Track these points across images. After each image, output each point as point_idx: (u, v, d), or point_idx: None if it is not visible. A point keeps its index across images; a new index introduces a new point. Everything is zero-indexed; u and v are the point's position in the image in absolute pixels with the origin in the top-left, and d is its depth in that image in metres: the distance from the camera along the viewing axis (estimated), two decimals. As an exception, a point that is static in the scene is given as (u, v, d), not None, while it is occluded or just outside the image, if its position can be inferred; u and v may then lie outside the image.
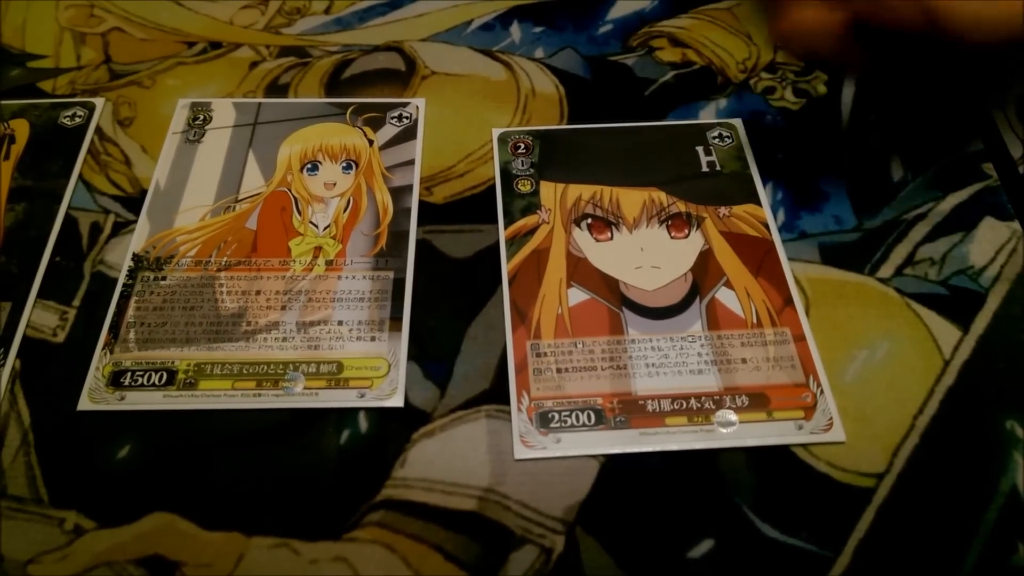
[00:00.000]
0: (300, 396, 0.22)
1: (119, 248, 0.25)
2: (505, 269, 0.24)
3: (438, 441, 0.21)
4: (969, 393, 0.22)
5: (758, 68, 0.29)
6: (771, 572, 0.19)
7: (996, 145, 0.27)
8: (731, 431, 0.21)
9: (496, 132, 0.27)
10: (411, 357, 0.22)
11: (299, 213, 0.25)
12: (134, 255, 0.24)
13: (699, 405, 0.21)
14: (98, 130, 0.28)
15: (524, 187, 0.25)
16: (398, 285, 0.24)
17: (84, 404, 0.22)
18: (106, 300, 0.24)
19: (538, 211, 0.25)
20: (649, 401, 0.21)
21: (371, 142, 0.27)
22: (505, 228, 0.25)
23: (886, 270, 0.24)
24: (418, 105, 0.28)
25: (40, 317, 0.23)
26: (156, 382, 0.22)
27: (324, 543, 0.20)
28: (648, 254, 0.24)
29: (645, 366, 0.21)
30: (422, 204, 0.26)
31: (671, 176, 0.25)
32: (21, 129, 0.28)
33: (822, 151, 0.27)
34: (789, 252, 0.24)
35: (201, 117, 0.28)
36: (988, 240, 0.25)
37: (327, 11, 0.32)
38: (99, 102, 0.29)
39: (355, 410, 0.22)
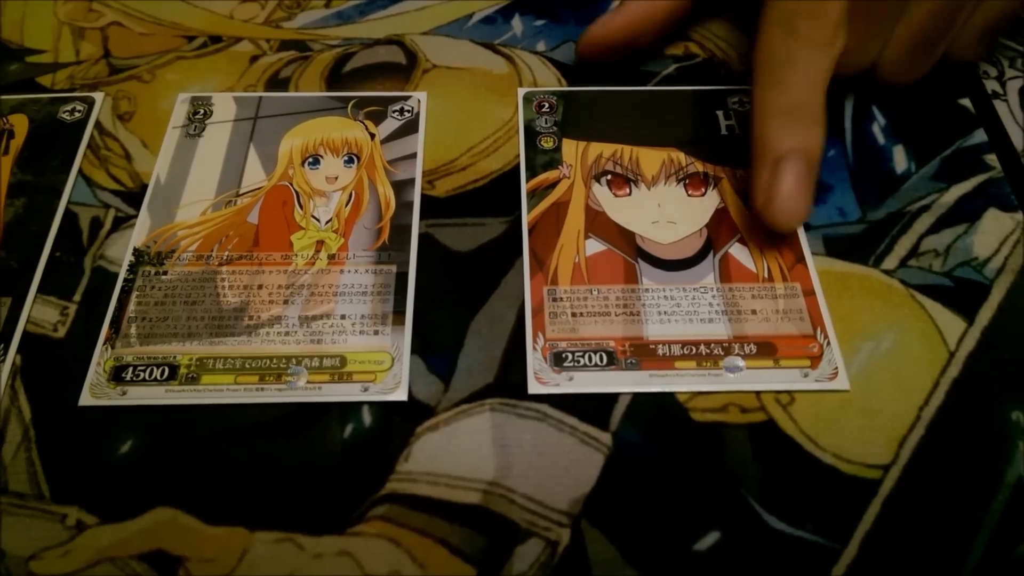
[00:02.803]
0: (303, 390, 0.22)
1: (120, 243, 0.25)
2: (525, 219, 0.24)
3: (442, 435, 0.21)
4: (975, 384, 0.22)
5: (760, 61, 0.29)
6: (778, 564, 0.19)
7: (999, 136, 0.27)
8: (738, 376, 0.21)
9: (521, 92, 0.28)
10: (414, 351, 0.22)
11: (301, 207, 0.25)
12: (135, 250, 0.24)
13: (708, 351, 0.22)
14: (98, 125, 0.28)
15: (547, 143, 0.26)
16: (401, 279, 0.24)
17: (86, 399, 0.21)
18: (107, 295, 0.23)
19: (560, 166, 0.26)
20: (660, 345, 0.22)
21: (372, 136, 0.27)
22: (527, 181, 0.25)
23: (890, 262, 0.24)
24: (419, 98, 0.28)
25: (41, 312, 0.23)
26: (158, 377, 0.22)
27: (328, 537, 0.20)
28: (665, 209, 0.24)
29: (657, 313, 0.22)
30: (424, 198, 0.26)
31: (690, 137, 0.26)
32: (20, 124, 0.28)
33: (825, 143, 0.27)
34: (793, 244, 0.24)
35: (201, 111, 0.28)
36: (992, 231, 0.25)
37: (327, 5, 0.31)
38: (98, 97, 0.28)
39: (358, 404, 0.21)
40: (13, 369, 0.22)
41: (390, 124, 0.27)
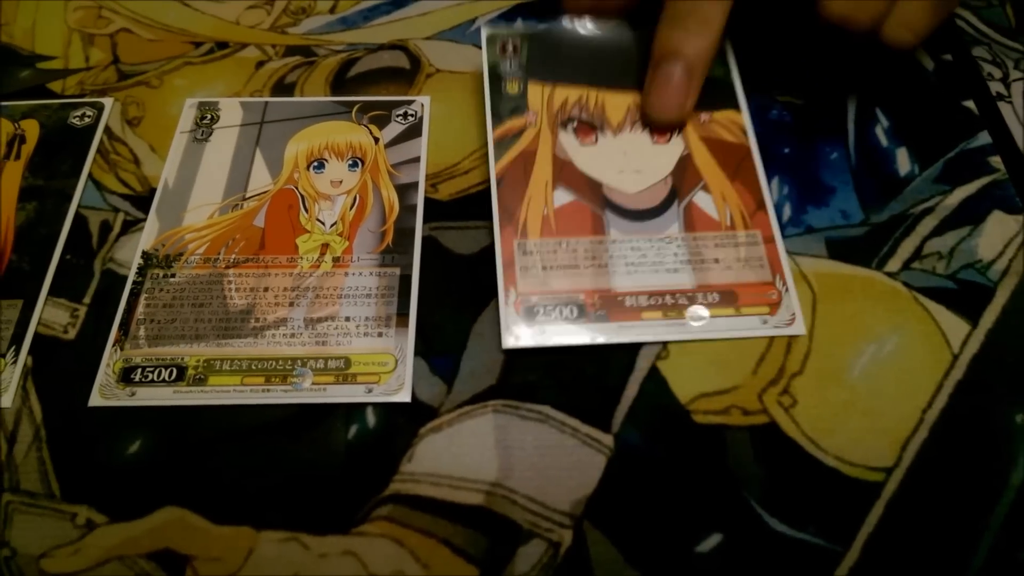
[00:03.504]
0: (308, 391, 0.22)
1: (129, 246, 0.25)
2: (493, 170, 0.25)
3: (445, 436, 0.21)
4: (978, 387, 0.22)
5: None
6: (780, 566, 0.19)
7: (1003, 138, 0.27)
8: (702, 325, 0.22)
9: (484, 29, 0.28)
10: (418, 353, 0.23)
11: (306, 211, 0.26)
12: (144, 253, 0.25)
13: (673, 301, 0.22)
14: (107, 130, 0.28)
15: (512, 88, 0.26)
16: (404, 281, 0.24)
17: (95, 400, 0.22)
18: (116, 297, 0.24)
19: (525, 113, 0.26)
20: (627, 297, 0.22)
21: (376, 140, 0.27)
22: (493, 129, 0.26)
23: (893, 264, 0.24)
24: (423, 103, 0.28)
25: (51, 314, 0.24)
26: (166, 378, 0.22)
27: (333, 537, 0.20)
28: (630, 158, 0.25)
29: (624, 264, 0.23)
30: (427, 201, 0.26)
31: None
32: (31, 129, 0.28)
33: (828, 145, 0.27)
34: (795, 247, 0.24)
35: (209, 116, 0.28)
36: (996, 234, 0.25)
37: (332, 10, 0.32)
38: (107, 102, 0.29)
39: (362, 405, 0.22)
40: (25, 370, 0.22)
41: (394, 128, 0.28)
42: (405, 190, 0.26)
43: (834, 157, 0.27)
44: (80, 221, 0.26)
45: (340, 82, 0.29)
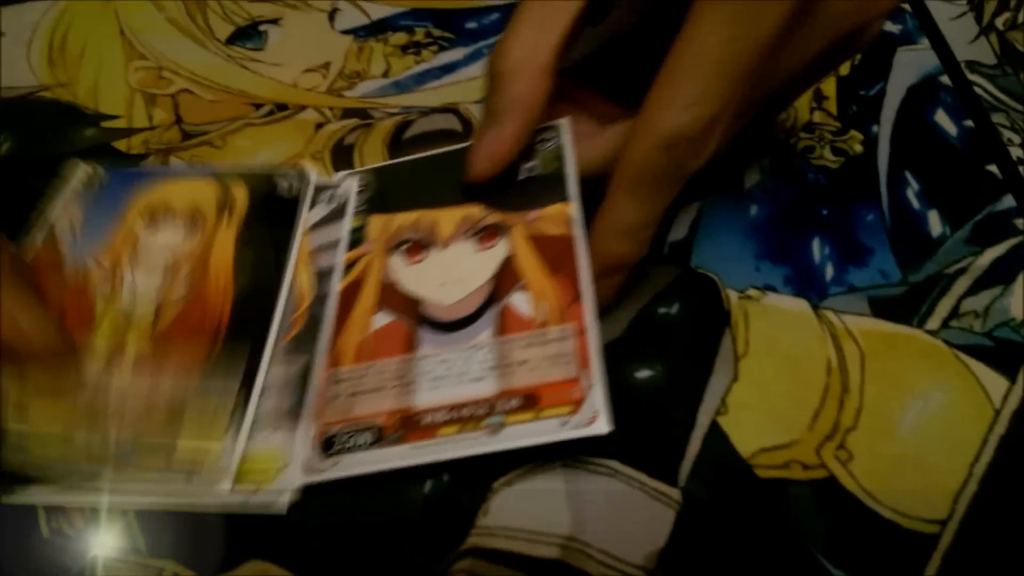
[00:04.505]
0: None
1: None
2: (335, 294, 0.24)
3: (518, 490, 0.22)
4: (1022, 440, 0.23)
5: (796, 128, 0.31)
6: (846, 618, 0.20)
7: (1026, 202, 0.29)
8: (496, 436, 0.20)
9: (339, 176, 0.28)
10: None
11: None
12: None
13: (472, 413, 0.21)
14: (176, 188, 0.29)
15: (354, 223, 0.26)
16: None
17: None
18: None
19: (361, 245, 0.25)
20: (427, 414, 0.21)
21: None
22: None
23: (933, 323, 0.25)
24: (352, 183, 0.27)
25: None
26: None
27: (415, 592, 0.20)
28: (454, 269, 0.24)
29: (430, 380, 0.21)
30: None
31: (488, 189, 0.25)
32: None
33: (863, 207, 0.28)
34: (840, 305, 0.26)
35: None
36: (1026, 293, 0.26)
37: (385, 74, 0.34)
38: (312, 173, 0.27)
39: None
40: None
41: (318, 211, 0.26)
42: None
43: (870, 219, 0.28)
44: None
45: (397, 143, 0.31)
